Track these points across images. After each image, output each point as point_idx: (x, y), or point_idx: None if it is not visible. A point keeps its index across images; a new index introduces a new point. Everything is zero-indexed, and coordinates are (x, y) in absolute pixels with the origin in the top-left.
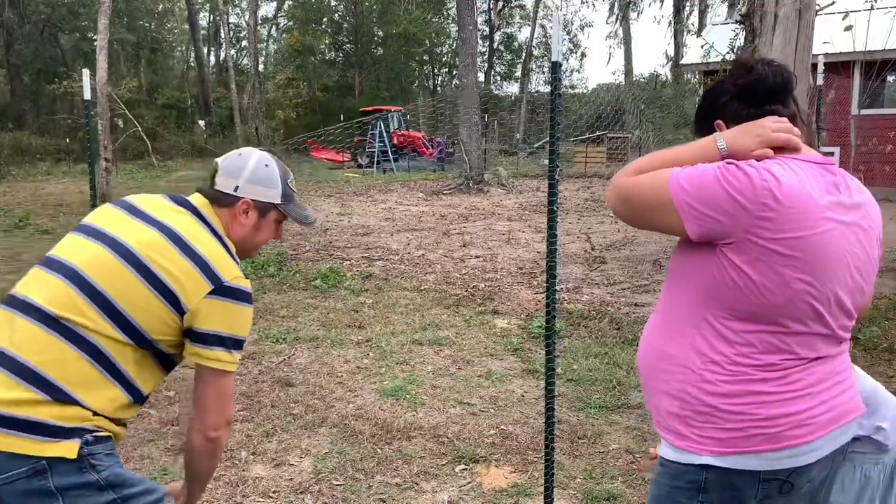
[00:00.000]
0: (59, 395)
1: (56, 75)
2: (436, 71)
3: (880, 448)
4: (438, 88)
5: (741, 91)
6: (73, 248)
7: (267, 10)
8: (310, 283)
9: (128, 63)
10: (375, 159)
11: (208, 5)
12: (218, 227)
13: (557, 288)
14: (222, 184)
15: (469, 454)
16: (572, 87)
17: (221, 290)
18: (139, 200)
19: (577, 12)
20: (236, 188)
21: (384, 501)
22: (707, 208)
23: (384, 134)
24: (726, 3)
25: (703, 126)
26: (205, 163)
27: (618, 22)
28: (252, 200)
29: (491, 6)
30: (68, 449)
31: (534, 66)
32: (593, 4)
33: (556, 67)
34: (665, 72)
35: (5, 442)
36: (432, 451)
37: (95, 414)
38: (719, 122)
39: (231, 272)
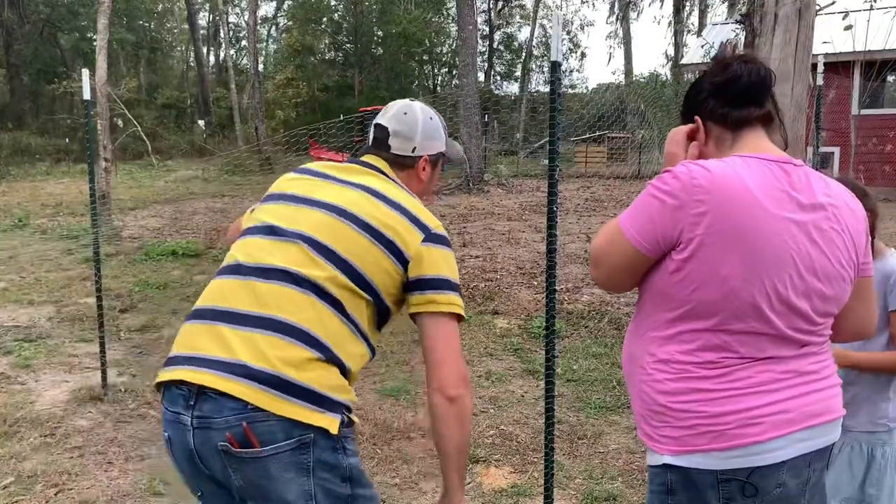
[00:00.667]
0: (328, 354)
1: (56, 75)
2: (436, 71)
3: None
4: (438, 88)
5: (716, 89)
6: (289, 216)
7: (266, 9)
8: None
9: (127, 63)
10: None
11: (208, 5)
12: (402, 184)
13: (557, 288)
14: (399, 147)
15: (469, 454)
16: (572, 86)
17: (432, 237)
18: (323, 167)
19: (577, 12)
20: (414, 149)
21: (384, 501)
22: (647, 221)
23: None
24: (726, 3)
25: (686, 119)
26: (204, 162)
27: (618, 22)
28: (428, 156)
29: (491, 6)
30: (331, 422)
31: (534, 66)
32: (593, 4)
33: (555, 67)
34: (665, 72)
35: (284, 407)
36: (432, 452)
37: (348, 376)
38: (697, 117)
39: (433, 221)
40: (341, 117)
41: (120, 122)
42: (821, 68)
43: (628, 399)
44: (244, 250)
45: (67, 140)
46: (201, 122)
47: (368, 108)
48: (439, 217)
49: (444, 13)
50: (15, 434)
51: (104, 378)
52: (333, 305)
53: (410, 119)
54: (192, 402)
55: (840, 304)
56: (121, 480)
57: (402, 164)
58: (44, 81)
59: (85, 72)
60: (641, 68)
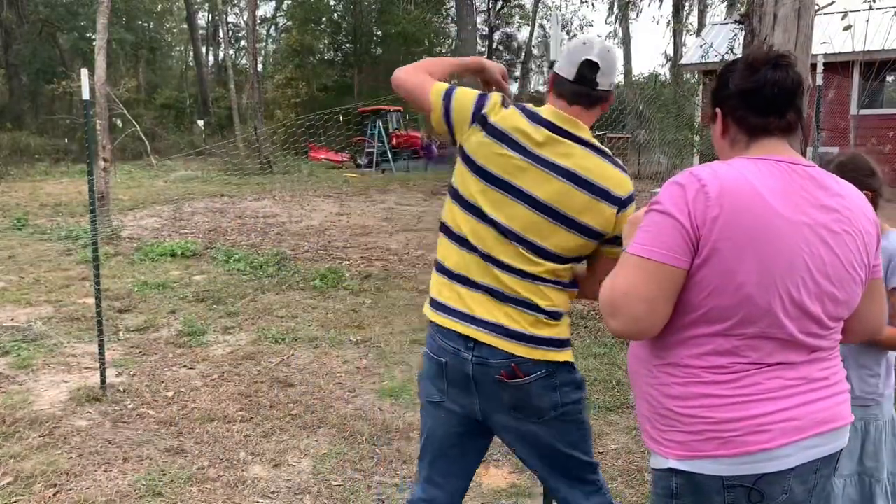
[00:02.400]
0: (555, 315)
1: (55, 75)
2: None
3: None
4: None
5: (739, 93)
6: (498, 205)
7: (266, 9)
8: (309, 284)
9: (126, 63)
10: (374, 160)
11: (207, 5)
12: (591, 138)
13: None
14: (604, 83)
15: None
16: None
17: (622, 204)
18: (521, 133)
19: (576, 12)
20: (611, 84)
21: (383, 502)
22: (670, 236)
23: (383, 134)
24: (726, 3)
25: (712, 108)
26: (203, 163)
27: (617, 22)
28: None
29: (490, 6)
30: (567, 356)
31: (533, 66)
32: (593, 4)
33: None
34: (664, 72)
35: (536, 353)
36: None
37: (566, 315)
38: (718, 110)
39: (623, 186)
40: (340, 118)
41: (119, 122)
42: (820, 68)
43: (628, 399)
44: (470, 228)
45: (66, 140)
46: (200, 122)
47: (367, 109)
48: (438, 217)
49: (444, 13)
50: (14, 434)
51: (103, 378)
52: (555, 284)
53: (612, 57)
54: (471, 346)
55: (851, 307)
56: (120, 481)
57: (598, 100)
58: (43, 81)
59: (84, 72)
60: (641, 68)
